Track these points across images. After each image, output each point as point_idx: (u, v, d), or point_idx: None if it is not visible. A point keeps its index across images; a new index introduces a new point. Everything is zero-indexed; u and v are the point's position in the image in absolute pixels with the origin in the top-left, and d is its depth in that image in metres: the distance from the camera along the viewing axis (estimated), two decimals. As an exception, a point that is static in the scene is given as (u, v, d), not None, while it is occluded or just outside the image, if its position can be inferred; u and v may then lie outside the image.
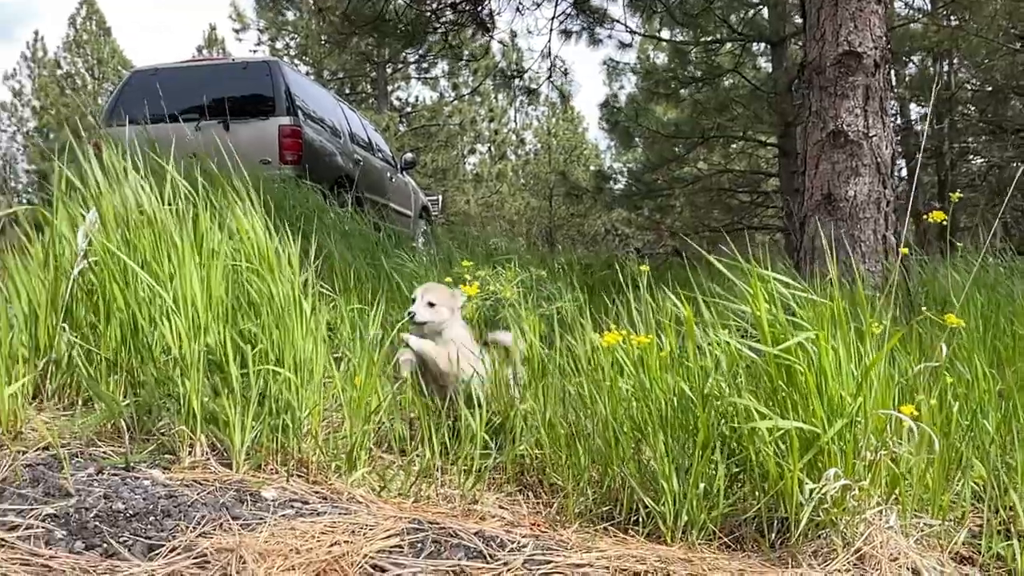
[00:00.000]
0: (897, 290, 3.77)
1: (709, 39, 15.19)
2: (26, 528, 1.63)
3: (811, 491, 1.93)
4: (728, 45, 15.82)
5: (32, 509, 1.71)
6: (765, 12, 15.37)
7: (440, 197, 15.46)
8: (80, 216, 2.51)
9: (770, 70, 15.88)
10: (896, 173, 5.63)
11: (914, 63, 16.92)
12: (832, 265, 2.26)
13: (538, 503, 2.37)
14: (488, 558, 1.77)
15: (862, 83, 5.27)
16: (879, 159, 5.18)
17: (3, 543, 1.56)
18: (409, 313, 2.63)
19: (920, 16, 15.02)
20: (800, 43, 15.49)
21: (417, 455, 2.39)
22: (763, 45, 16.15)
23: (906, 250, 2.33)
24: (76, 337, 2.35)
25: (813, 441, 1.97)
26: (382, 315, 3.04)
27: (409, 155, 11.90)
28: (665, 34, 15.87)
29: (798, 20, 14.74)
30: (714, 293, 2.50)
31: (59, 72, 32.99)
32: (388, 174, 10.43)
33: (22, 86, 33.57)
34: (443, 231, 11.76)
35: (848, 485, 1.93)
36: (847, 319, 2.05)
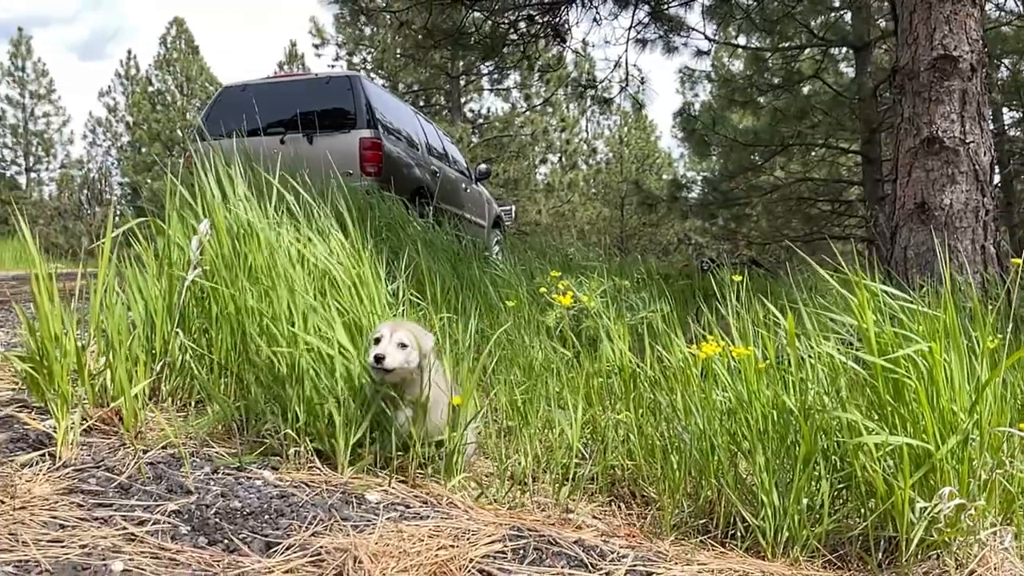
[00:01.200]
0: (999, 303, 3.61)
1: (789, 45, 14.87)
2: (153, 523, 1.72)
3: (923, 510, 1.88)
4: (808, 50, 15.45)
5: (157, 505, 1.80)
6: (848, 16, 14.98)
7: (513, 208, 15.55)
8: (192, 227, 2.64)
9: (853, 75, 15.44)
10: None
11: (1006, 67, 16.19)
12: (946, 274, 2.18)
13: (631, 514, 2.36)
14: (590, 567, 1.78)
15: (958, 87, 5.09)
16: (977, 166, 4.99)
17: (133, 537, 1.64)
18: (376, 358, 2.09)
19: (1012, 18, 14.37)
20: (885, 47, 15.08)
21: (513, 463, 2.41)
22: (846, 50, 15.73)
23: (1019, 260, 2.24)
24: (189, 341, 2.47)
25: (924, 458, 1.91)
26: (472, 325, 3.09)
27: (483, 166, 12.01)
28: (742, 40, 15.62)
29: (883, 24, 14.33)
30: (800, 304, 2.46)
31: (150, 89, 34.57)
32: (463, 185, 10.56)
33: (116, 102, 35.36)
34: (517, 241, 11.82)
35: (963, 504, 1.86)
36: (959, 332, 1.98)
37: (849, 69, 16.55)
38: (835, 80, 15.76)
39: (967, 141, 4.98)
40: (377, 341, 2.14)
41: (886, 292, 2.10)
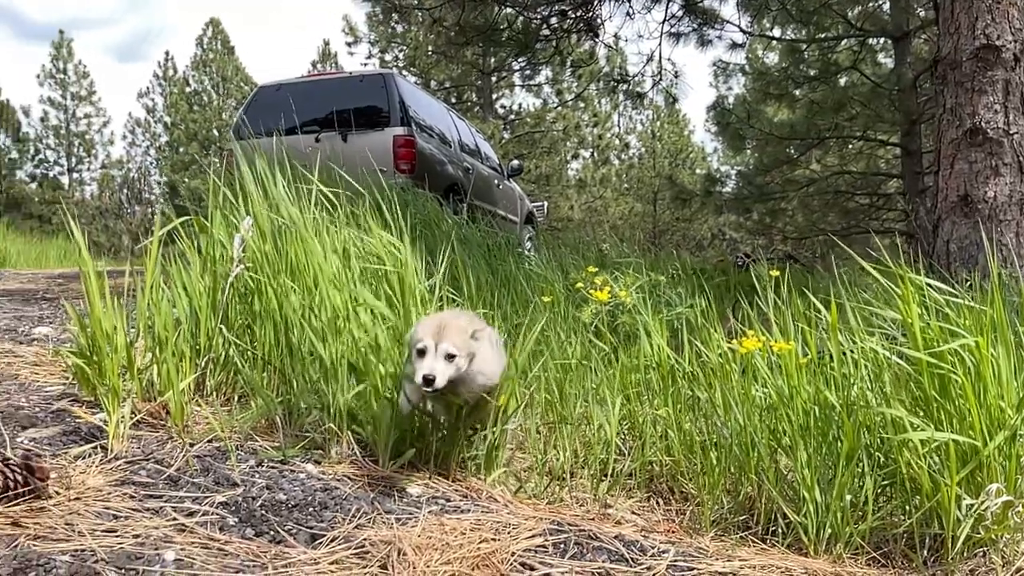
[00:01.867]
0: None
1: (825, 36, 14.63)
2: (202, 515, 1.76)
3: (969, 507, 1.85)
4: (845, 41, 15.19)
5: (206, 497, 1.84)
6: (886, 6, 14.70)
7: (545, 204, 15.53)
8: (235, 224, 2.69)
9: (892, 66, 15.15)
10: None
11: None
12: (993, 268, 2.14)
13: (669, 510, 2.35)
14: (631, 562, 1.78)
15: (1001, 78, 4.98)
16: (1021, 157, 4.88)
17: (184, 528, 1.69)
18: (425, 380, 1.90)
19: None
20: (925, 37, 14.77)
21: (552, 458, 2.42)
22: (884, 40, 15.43)
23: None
24: (232, 337, 2.51)
25: (971, 454, 1.88)
26: (508, 319, 3.11)
27: (515, 162, 12.02)
28: (777, 32, 15.41)
29: (922, 13, 14.02)
30: (843, 299, 2.42)
31: (188, 89, 35.15)
32: (495, 181, 10.58)
33: (154, 103, 36.00)
34: (549, 237, 11.80)
35: (1010, 501, 1.83)
36: (1007, 326, 1.95)
37: (888, 60, 16.24)
38: (873, 71, 15.48)
39: (1011, 132, 4.88)
40: (421, 353, 1.93)
41: (931, 286, 2.06)
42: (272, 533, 1.71)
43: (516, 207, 11.31)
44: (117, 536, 1.60)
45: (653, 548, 1.88)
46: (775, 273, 2.79)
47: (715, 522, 2.17)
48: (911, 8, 14.16)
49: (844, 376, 2.13)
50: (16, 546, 1.50)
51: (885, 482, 2.08)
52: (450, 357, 1.93)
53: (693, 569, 1.79)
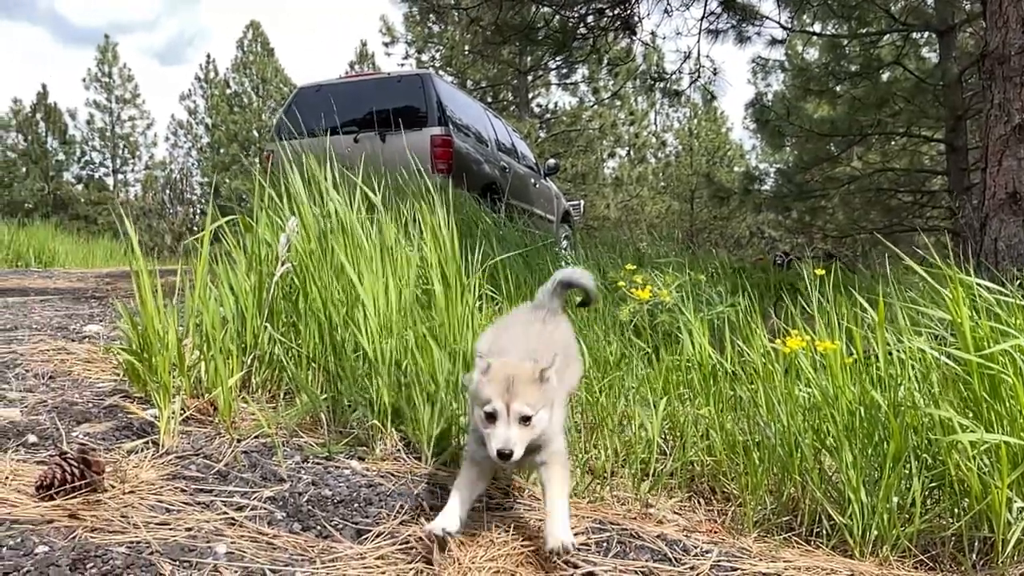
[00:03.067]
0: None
1: (867, 31, 14.37)
2: (251, 509, 1.80)
3: (1020, 510, 1.81)
4: (889, 36, 14.90)
5: (254, 492, 1.88)
6: (930, 0, 14.39)
7: (581, 203, 15.50)
8: (279, 224, 2.73)
9: (936, 61, 14.83)
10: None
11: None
12: (1047, 269, 2.09)
13: (711, 510, 2.34)
14: (674, 562, 1.78)
15: (1052, 72, 4.84)
16: (1073, 154, 4.74)
17: (234, 521, 1.73)
18: (500, 454, 1.59)
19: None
20: (971, 31, 14.42)
21: (592, 457, 2.43)
22: (928, 34, 15.11)
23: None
24: (278, 335, 2.56)
25: (1022, 457, 1.84)
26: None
27: (552, 161, 12.02)
28: (818, 28, 15.18)
29: (968, 6, 13.69)
30: (890, 297, 2.39)
31: (228, 91, 35.74)
32: (532, 180, 10.59)
33: (196, 105, 36.70)
34: (585, 236, 11.78)
35: (1065, 505, 1.79)
36: (1061, 327, 1.90)
37: (932, 54, 15.92)
38: (917, 66, 15.17)
39: (1062, 127, 4.74)
40: (491, 418, 1.63)
41: (980, 285, 2.02)
42: (319, 528, 1.75)
43: (552, 206, 11.32)
44: (170, 529, 1.64)
45: (696, 548, 1.87)
46: (820, 272, 2.75)
47: (758, 523, 2.16)
48: (956, 1, 13.84)
49: (891, 376, 2.10)
50: (74, 537, 1.55)
51: (933, 484, 2.04)
52: (525, 420, 1.63)
53: (737, 569, 1.78)
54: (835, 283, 2.74)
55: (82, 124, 35.09)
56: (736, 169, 31.74)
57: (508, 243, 5.50)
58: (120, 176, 35.90)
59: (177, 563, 1.48)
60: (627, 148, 33.12)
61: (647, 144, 33.79)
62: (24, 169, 33.09)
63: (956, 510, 1.98)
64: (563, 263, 5.35)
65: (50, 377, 2.72)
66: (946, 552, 1.96)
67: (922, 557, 1.95)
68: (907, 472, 2.00)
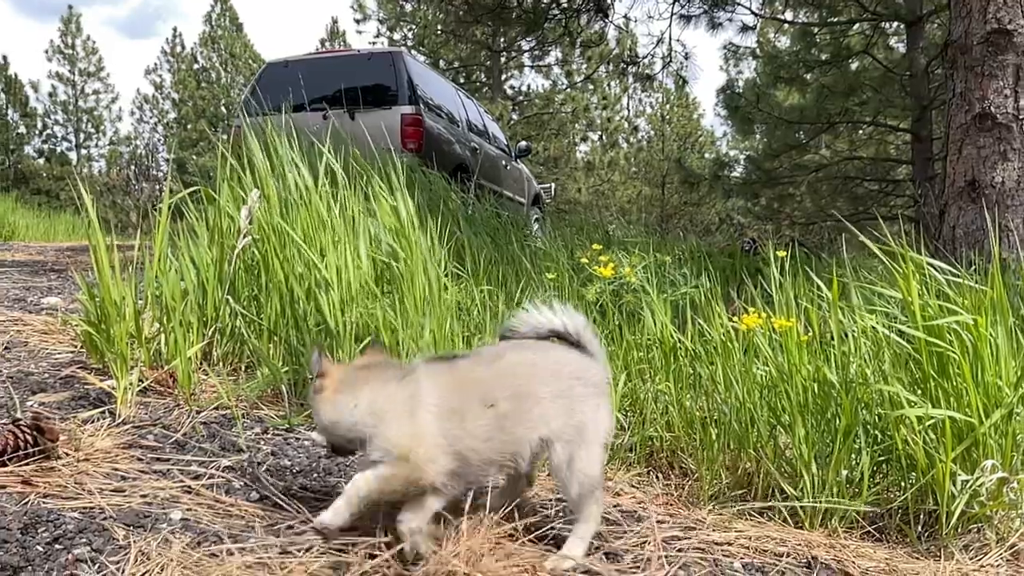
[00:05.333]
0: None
1: (838, 19, 14.51)
2: (208, 478, 1.79)
3: (964, 483, 1.87)
4: (858, 25, 15.06)
5: (212, 461, 1.88)
6: (900, -10, 14.56)
7: (552, 186, 15.51)
8: (242, 197, 2.71)
9: (904, 51, 15.02)
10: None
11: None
12: (996, 251, 2.15)
13: (668, 484, 2.38)
14: (628, 530, 1.81)
15: (1012, 62, 4.95)
16: (1031, 143, 4.85)
17: (190, 489, 1.72)
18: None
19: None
20: (939, 22, 14.63)
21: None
22: (897, 24, 15.29)
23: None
24: (239, 308, 2.54)
25: (967, 431, 1.90)
26: (512, 297, 3.13)
27: (523, 143, 11.99)
28: (789, 15, 15.30)
29: (936, -3, 13.88)
30: (845, 279, 2.44)
31: (196, 66, 35.08)
32: (503, 162, 10.56)
33: (162, 79, 35.97)
34: (556, 218, 11.79)
35: (1005, 478, 1.85)
36: (1008, 307, 1.96)
37: (900, 44, 16.11)
38: (885, 56, 15.36)
39: (1020, 117, 4.85)
40: None
41: (932, 265, 2.08)
42: (277, 497, 1.75)
43: (523, 188, 11.31)
44: (125, 496, 1.63)
45: (650, 518, 1.91)
46: (782, 254, 2.80)
47: (713, 496, 2.20)
48: (925, -8, 14.03)
49: (844, 354, 2.15)
50: (26, 503, 1.54)
51: (881, 459, 2.10)
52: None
53: (690, 539, 1.82)
54: (796, 266, 2.79)
55: (44, 97, 34.24)
56: (707, 156, 31.95)
57: (476, 223, 5.50)
58: (83, 151, 35.15)
59: (131, 527, 1.48)
60: (599, 132, 33.17)
61: (619, 129, 33.86)
62: (-17, 141, 32.26)
63: (903, 484, 2.04)
64: (532, 243, 5.37)
65: (5, 348, 2.68)
66: (893, 524, 2.02)
67: (870, 529, 2.00)
68: (857, 447, 2.06)
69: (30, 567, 1.32)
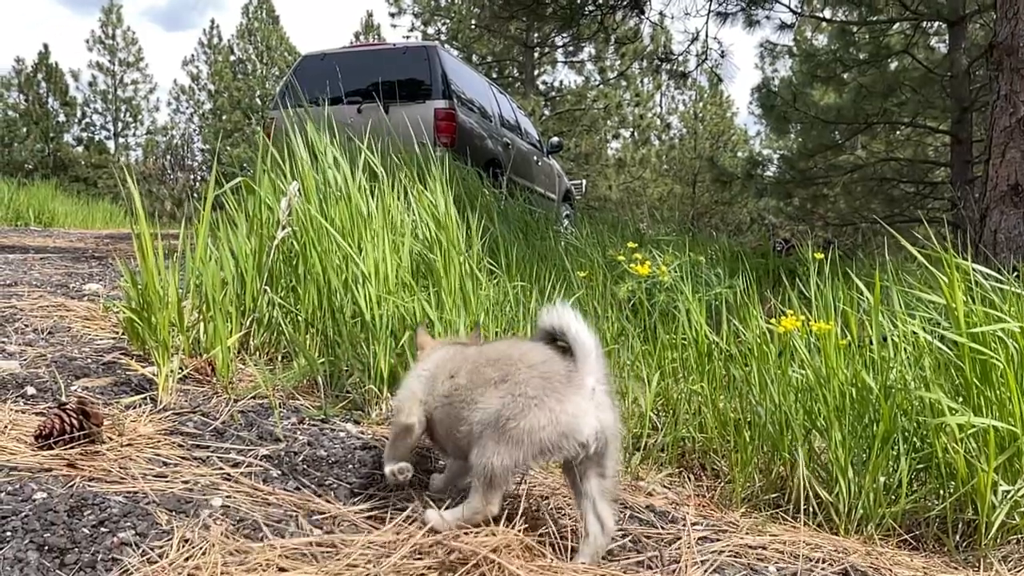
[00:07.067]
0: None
1: (878, 18, 14.26)
2: (247, 466, 1.82)
3: (1005, 493, 1.84)
4: (898, 25, 14.79)
5: (250, 450, 1.91)
6: (942, -11, 14.27)
7: (583, 182, 15.46)
8: (281, 189, 2.74)
9: (946, 51, 14.73)
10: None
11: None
12: (1043, 256, 2.10)
13: (700, 486, 2.37)
14: (662, 531, 1.81)
15: (1061, 65, 4.83)
16: (1078, 147, 4.74)
17: (229, 477, 1.75)
18: None
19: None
20: (981, 22, 14.32)
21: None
22: (938, 24, 15.00)
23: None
24: (277, 298, 2.57)
25: (1010, 441, 1.87)
26: (545, 293, 3.13)
27: (555, 139, 11.97)
28: (828, 14, 15.08)
29: (980, -3, 13.58)
30: (887, 283, 2.40)
31: (232, 58, 35.46)
32: (535, 157, 10.55)
33: (199, 71, 36.40)
34: (586, 216, 11.75)
35: (1049, 490, 1.82)
36: (1055, 315, 1.92)
37: (941, 45, 15.79)
38: (926, 56, 15.06)
39: (1069, 121, 4.73)
40: None
41: (976, 271, 2.04)
42: (313, 487, 1.77)
43: (554, 184, 11.29)
44: (167, 481, 1.66)
45: (683, 519, 1.90)
46: (819, 256, 2.77)
47: (746, 499, 2.19)
48: (969, -9, 13.74)
49: (883, 359, 2.12)
50: (72, 486, 1.57)
51: (920, 466, 2.07)
52: None
53: (722, 540, 1.81)
54: (833, 269, 2.76)
55: (84, 86, 34.86)
56: (740, 154, 31.60)
57: (509, 219, 5.50)
58: (121, 140, 35.70)
59: (173, 513, 1.51)
60: (631, 129, 32.97)
61: (651, 126, 33.62)
62: (24, 129, 32.89)
63: (942, 492, 2.01)
64: (564, 240, 5.36)
65: (49, 332, 2.73)
66: (930, 533, 1.99)
67: (906, 536, 1.98)
68: (895, 453, 2.03)
69: (76, 549, 1.35)
